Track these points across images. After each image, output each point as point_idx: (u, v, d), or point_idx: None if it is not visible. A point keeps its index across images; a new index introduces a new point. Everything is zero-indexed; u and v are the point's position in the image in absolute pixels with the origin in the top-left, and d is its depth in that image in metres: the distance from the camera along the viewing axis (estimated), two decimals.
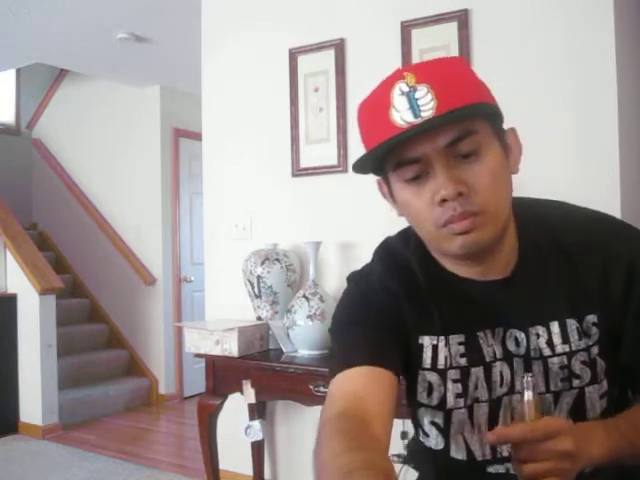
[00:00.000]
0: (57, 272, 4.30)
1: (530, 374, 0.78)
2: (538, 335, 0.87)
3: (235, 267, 2.72)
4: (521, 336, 0.88)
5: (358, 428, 0.77)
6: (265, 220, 2.83)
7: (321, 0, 2.70)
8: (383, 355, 0.87)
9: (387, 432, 0.82)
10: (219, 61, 3.01)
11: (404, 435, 2.18)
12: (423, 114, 0.76)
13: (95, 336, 4.96)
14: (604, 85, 2.08)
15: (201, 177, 3.10)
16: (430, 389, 0.91)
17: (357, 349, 0.87)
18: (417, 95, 0.77)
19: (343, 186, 2.60)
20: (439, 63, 0.84)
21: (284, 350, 2.43)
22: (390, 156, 0.81)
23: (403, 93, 0.78)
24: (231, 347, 2.36)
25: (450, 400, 0.90)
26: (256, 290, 2.55)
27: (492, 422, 0.90)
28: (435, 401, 0.91)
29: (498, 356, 0.89)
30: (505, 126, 0.86)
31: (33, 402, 3.92)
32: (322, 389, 2.11)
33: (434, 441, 0.95)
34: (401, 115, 0.77)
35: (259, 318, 2.58)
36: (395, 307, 0.91)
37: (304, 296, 2.38)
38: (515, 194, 0.88)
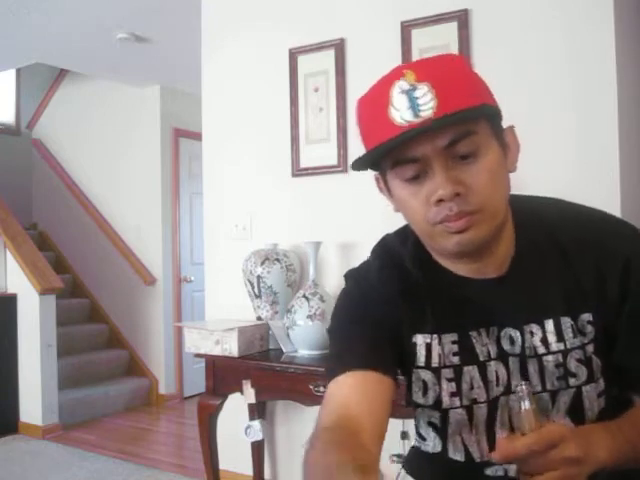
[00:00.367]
0: (57, 272, 4.30)
1: (525, 382, 0.77)
2: (532, 333, 0.87)
3: (235, 267, 2.72)
4: (516, 334, 0.88)
5: (348, 440, 0.77)
6: (265, 220, 2.83)
7: (321, 0, 2.70)
8: (378, 358, 0.87)
9: (378, 443, 0.82)
10: (219, 61, 3.01)
11: (404, 435, 2.18)
12: (423, 113, 0.76)
13: (95, 336, 4.96)
14: (604, 85, 2.08)
15: (201, 177, 3.10)
16: (425, 388, 0.91)
17: (353, 352, 0.88)
18: (417, 94, 0.76)
19: (343, 186, 2.60)
20: (440, 60, 0.84)
21: (284, 350, 2.43)
22: (388, 154, 0.81)
23: (403, 91, 0.77)
24: (231, 347, 2.36)
25: (445, 399, 0.90)
26: (256, 290, 2.55)
27: (490, 423, 0.90)
28: (431, 400, 0.91)
29: (492, 355, 0.89)
30: (504, 124, 0.87)
31: (33, 402, 3.92)
32: (322, 389, 2.11)
33: (431, 444, 0.95)
34: (401, 114, 0.77)
35: (259, 318, 2.58)
36: (390, 306, 0.90)
37: (304, 296, 2.38)
38: (515, 193, 0.88)
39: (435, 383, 0.90)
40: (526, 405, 0.74)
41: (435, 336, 0.90)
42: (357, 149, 0.84)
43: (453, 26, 2.32)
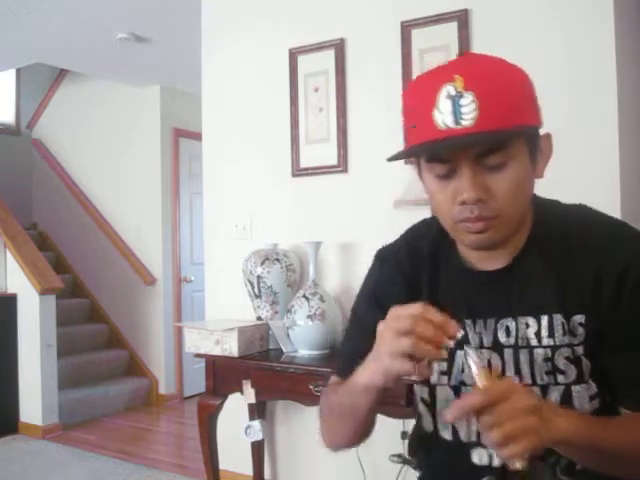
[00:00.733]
0: (57, 272, 4.30)
1: (468, 346, 0.78)
2: (528, 325, 0.89)
3: (235, 267, 2.72)
4: (512, 325, 0.90)
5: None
6: (265, 220, 2.83)
7: (321, 0, 2.70)
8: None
9: None
10: (219, 61, 3.01)
11: (404, 435, 2.18)
12: (464, 122, 0.79)
13: (95, 336, 4.96)
14: (604, 85, 2.08)
15: (201, 177, 3.10)
16: None
17: (351, 362, 0.90)
18: (462, 102, 0.80)
19: (343, 186, 2.60)
20: (491, 67, 0.87)
21: (284, 350, 2.43)
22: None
23: (449, 96, 0.80)
24: (231, 347, 2.36)
25: (434, 376, 0.94)
26: (256, 290, 2.55)
27: None
28: None
29: (486, 344, 0.91)
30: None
31: (33, 402, 3.92)
32: (322, 389, 2.11)
33: (425, 422, 0.98)
34: (443, 118, 0.80)
35: (259, 318, 2.58)
36: (396, 287, 0.98)
37: (304, 296, 2.38)
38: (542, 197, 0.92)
39: None
40: (474, 368, 0.75)
41: None
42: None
43: (453, 26, 2.32)
